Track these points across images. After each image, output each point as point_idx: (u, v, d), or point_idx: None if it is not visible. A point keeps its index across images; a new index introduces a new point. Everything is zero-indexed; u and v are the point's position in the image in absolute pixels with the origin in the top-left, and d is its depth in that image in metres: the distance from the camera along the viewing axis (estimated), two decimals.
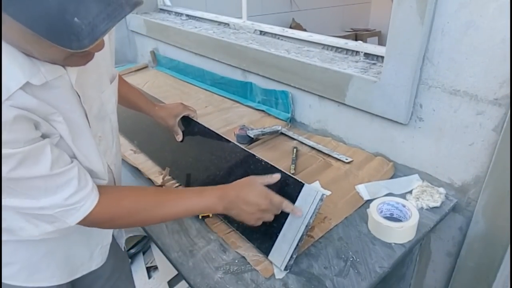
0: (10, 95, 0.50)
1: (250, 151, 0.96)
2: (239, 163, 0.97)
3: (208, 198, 0.74)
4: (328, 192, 0.80)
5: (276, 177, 0.79)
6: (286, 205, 0.76)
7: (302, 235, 0.76)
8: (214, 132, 1.08)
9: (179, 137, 1.14)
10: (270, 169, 0.88)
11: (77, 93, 0.63)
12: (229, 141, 1.03)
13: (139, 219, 0.73)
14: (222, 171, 1.00)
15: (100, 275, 0.97)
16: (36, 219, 0.65)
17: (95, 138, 0.69)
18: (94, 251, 0.86)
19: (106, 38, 0.72)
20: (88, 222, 0.65)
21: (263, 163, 0.90)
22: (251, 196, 0.74)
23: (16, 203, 0.58)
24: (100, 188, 0.67)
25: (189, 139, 1.15)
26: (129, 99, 1.07)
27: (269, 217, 0.76)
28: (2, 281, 0.73)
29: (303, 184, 0.79)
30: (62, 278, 0.81)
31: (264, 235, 0.81)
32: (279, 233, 0.79)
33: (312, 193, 0.77)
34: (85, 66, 0.59)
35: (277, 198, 0.75)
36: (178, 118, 1.13)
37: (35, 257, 0.76)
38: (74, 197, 0.62)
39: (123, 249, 1.04)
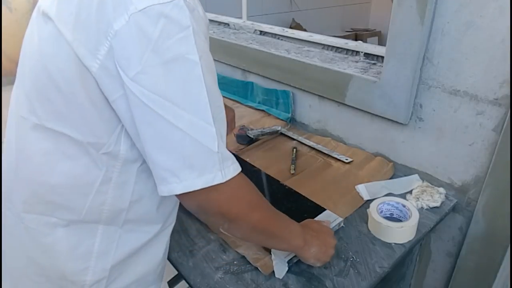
0: None
1: (289, 185, 1.02)
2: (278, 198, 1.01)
3: (296, 225, 0.71)
4: (343, 224, 0.89)
5: (328, 222, 0.84)
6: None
7: None
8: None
9: None
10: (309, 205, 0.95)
11: None
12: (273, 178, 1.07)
13: (266, 224, 0.62)
14: None
15: None
16: (187, 165, 0.48)
17: None
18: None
19: None
20: (227, 196, 0.52)
21: (301, 197, 0.97)
22: (328, 236, 0.76)
23: (185, 120, 0.46)
24: None
25: None
26: None
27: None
28: None
29: (324, 210, 0.90)
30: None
31: None
32: None
33: (333, 216, 0.88)
34: None
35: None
36: None
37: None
38: (225, 150, 0.51)
39: None
